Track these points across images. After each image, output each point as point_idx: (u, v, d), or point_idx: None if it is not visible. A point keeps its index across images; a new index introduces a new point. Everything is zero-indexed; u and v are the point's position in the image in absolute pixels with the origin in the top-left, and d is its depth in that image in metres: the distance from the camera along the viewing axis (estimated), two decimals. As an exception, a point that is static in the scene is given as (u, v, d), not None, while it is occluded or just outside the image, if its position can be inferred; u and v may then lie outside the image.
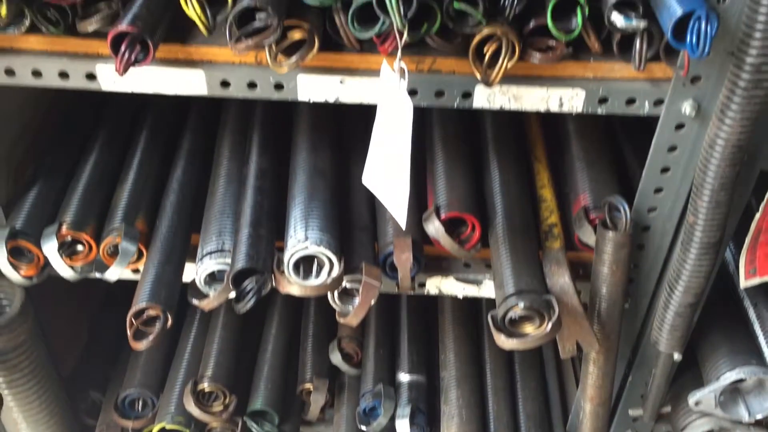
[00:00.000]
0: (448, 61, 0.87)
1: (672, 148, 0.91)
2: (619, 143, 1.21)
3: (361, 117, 1.07)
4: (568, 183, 1.12)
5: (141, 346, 0.92)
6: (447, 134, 1.13)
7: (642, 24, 0.78)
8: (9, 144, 1.07)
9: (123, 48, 0.79)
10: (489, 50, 0.82)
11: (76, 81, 0.89)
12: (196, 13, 0.79)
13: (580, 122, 1.15)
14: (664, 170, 0.93)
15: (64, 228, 0.99)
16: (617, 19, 0.78)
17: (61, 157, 1.13)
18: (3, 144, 1.06)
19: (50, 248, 0.98)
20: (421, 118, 1.16)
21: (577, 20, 0.80)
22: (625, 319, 1.04)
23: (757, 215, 0.89)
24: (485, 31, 0.80)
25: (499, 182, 1.10)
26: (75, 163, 1.12)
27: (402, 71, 0.79)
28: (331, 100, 0.90)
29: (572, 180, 1.10)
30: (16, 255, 0.99)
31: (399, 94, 0.79)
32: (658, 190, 0.96)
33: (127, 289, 1.11)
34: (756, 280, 0.95)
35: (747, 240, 0.90)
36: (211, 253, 0.97)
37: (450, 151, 1.10)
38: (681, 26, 0.76)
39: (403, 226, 0.89)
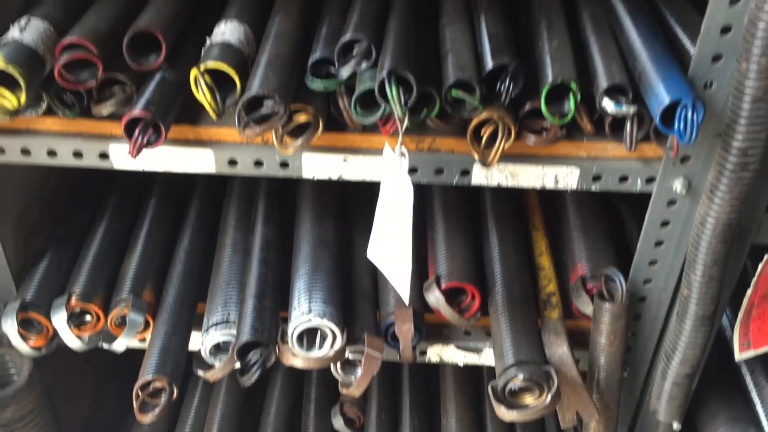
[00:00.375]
0: (447, 141, 0.90)
1: (665, 223, 0.94)
2: (616, 205, 1.24)
3: (364, 187, 1.10)
4: (565, 250, 1.15)
5: (147, 419, 0.94)
6: (447, 203, 1.16)
7: (632, 110, 0.82)
8: (19, 213, 1.10)
9: (137, 133, 0.83)
10: (486, 132, 0.86)
11: (90, 160, 0.92)
12: (206, 100, 0.83)
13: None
14: (658, 243, 0.96)
15: (73, 299, 1.01)
16: (608, 105, 0.82)
17: (71, 226, 1.16)
18: (13, 214, 1.09)
19: (59, 320, 1.00)
20: (423, 187, 1.19)
21: (570, 105, 0.84)
22: (624, 387, 1.05)
23: (749, 291, 0.91)
24: (482, 115, 0.84)
25: (498, 251, 1.12)
26: (85, 232, 1.15)
27: (403, 155, 0.82)
28: (335, 177, 0.93)
29: (569, 248, 1.13)
30: (25, 326, 1.01)
31: (400, 177, 0.82)
32: (652, 263, 0.98)
33: (132, 356, 1.13)
34: (750, 353, 0.97)
35: (740, 314, 0.92)
36: (216, 324, 1.00)
37: (450, 220, 1.13)
38: (669, 112, 0.79)
39: (407, 301, 0.91)
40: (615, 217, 1.22)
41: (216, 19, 0.95)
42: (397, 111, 0.77)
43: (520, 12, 1.02)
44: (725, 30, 0.79)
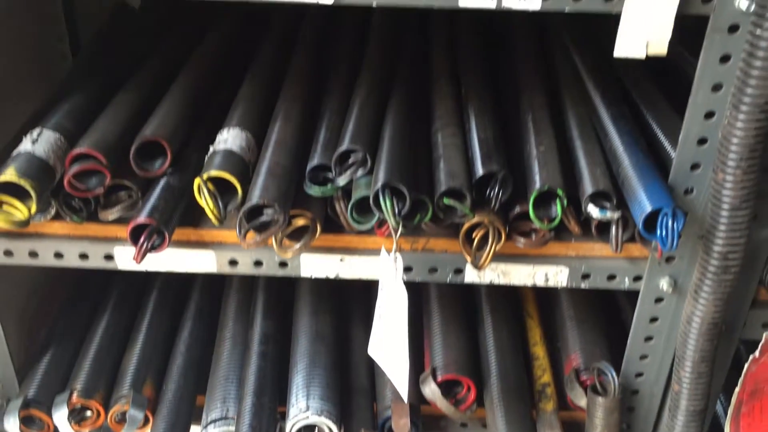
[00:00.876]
0: (440, 242, 0.94)
1: (653, 319, 0.97)
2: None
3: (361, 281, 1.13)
4: (559, 338, 1.17)
5: None
6: (443, 293, 1.18)
7: (616, 215, 0.85)
8: (21, 306, 1.12)
9: (142, 239, 0.86)
10: (477, 236, 0.89)
11: (95, 262, 0.95)
12: (209, 207, 0.87)
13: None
14: (648, 338, 0.99)
15: (74, 396, 1.03)
16: (593, 210, 0.86)
17: (72, 320, 1.18)
18: (16, 307, 1.11)
19: (60, 417, 1.01)
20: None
21: (557, 210, 0.87)
22: (620, 479, 1.06)
23: (737, 389, 0.93)
24: (473, 219, 0.87)
25: (493, 340, 1.15)
26: (86, 325, 1.17)
27: (396, 259, 0.85)
28: (332, 276, 0.96)
29: (563, 337, 1.15)
30: (27, 422, 1.02)
31: (395, 282, 0.85)
32: (643, 357, 1.00)
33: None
34: (742, 449, 0.98)
35: (729, 411, 0.94)
36: (215, 420, 1.01)
37: (446, 310, 1.15)
38: (652, 217, 0.83)
39: (405, 398, 0.93)
40: (609, 299, 1.24)
41: (219, 119, 1.00)
42: (391, 222, 0.80)
43: (509, 108, 1.07)
44: (702, 141, 0.83)
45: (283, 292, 1.22)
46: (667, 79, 1.07)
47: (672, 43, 0.76)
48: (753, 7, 0.71)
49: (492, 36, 1.24)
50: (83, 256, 0.95)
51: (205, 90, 1.07)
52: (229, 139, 0.94)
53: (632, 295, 0.97)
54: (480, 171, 0.89)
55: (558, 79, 1.11)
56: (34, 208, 0.84)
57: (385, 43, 1.15)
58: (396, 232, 0.82)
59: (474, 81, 1.08)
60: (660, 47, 0.76)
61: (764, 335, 0.93)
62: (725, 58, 0.77)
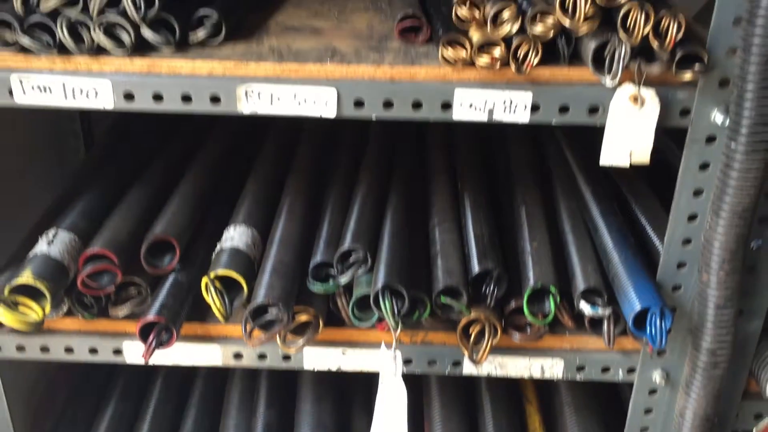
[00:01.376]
0: (438, 335, 0.97)
1: (648, 410, 0.99)
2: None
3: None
4: (558, 425, 1.18)
5: None
6: (443, 382, 1.20)
7: (607, 312, 0.89)
8: (28, 392, 1.14)
9: (151, 338, 0.89)
10: (474, 331, 0.92)
11: (104, 356, 0.98)
12: (216, 306, 0.90)
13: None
14: (644, 429, 1.00)
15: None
16: (585, 307, 0.89)
17: (79, 409, 1.20)
18: (24, 396, 1.13)
19: None
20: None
21: (551, 306, 0.91)
22: None
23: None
24: (470, 316, 0.91)
25: (492, 428, 1.16)
26: (93, 413, 1.19)
27: (396, 357, 0.88)
28: (334, 368, 0.99)
29: (562, 424, 1.16)
30: None
31: (395, 380, 0.88)
32: (640, 448, 1.02)
33: None
34: None
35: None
36: None
37: (445, 399, 1.17)
38: (642, 313, 0.86)
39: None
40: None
41: (225, 213, 1.04)
42: (391, 322, 0.84)
43: (503, 198, 1.11)
44: (686, 241, 0.87)
45: (285, 380, 1.24)
46: (655, 168, 1.12)
47: (658, 137, 0.80)
48: (727, 122, 0.76)
49: (486, 131, 1.29)
50: (93, 351, 0.98)
51: (211, 186, 1.12)
52: (236, 236, 0.99)
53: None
54: (476, 269, 0.92)
55: (550, 172, 1.16)
56: (48, 309, 0.88)
57: (384, 140, 1.21)
58: (395, 331, 0.85)
59: (469, 175, 1.13)
60: (643, 157, 0.81)
61: (755, 427, 0.95)
62: (704, 166, 0.82)
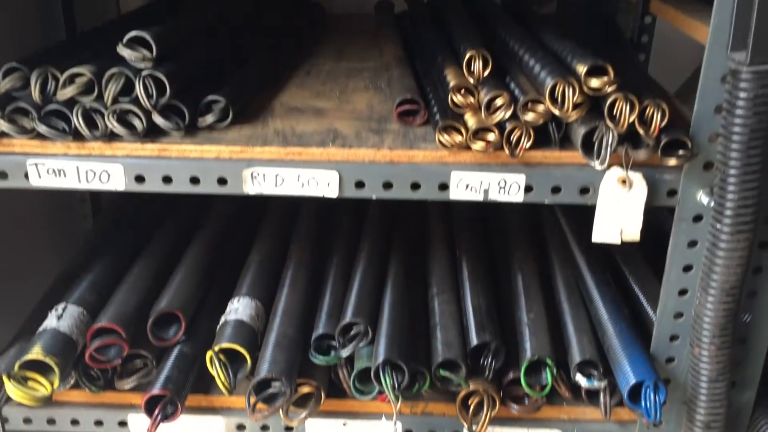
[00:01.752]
0: (438, 405, 0.99)
1: (647, 482, 1.00)
2: None
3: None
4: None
5: None
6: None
7: (603, 384, 0.91)
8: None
9: (156, 412, 0.91)
10: (473, 403, 0.94)
11: (110, 428, 1.00)
12: (220, 379, 0.92)
13: None
14: (643, 499, 1.01)
15: None
16: (581, 380, 0.91)
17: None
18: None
19: None
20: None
21: (547, 377, 0.93)
22: None
23: None
24: (469, 388, 0.93)
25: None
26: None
27: (396, 430, 0.90)
28: (335, 440, 1.00)
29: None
30: None
31: (395, 452, 0.89)
32: None
33: None
34: None
35: None
36: None
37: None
38: (637, 386, 0.88)
39: None
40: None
41: (229, 283, 1.07)
42: (391, 397, 0.86)
43: (500, 267, 1.14)
44: (678, 315, 0.90)
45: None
46: (648, 234, 1.15)
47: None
48: (713, 203, 0.79)
49: (484, 203, 1.32)
50: (98, 423, 0.99)
51: (215, 257, 1.15)
52: (240, 308, 1.01)
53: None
54: (474, 341, 0.95)
55: (546, 241, 1.19)
56: (57, 383, 0.90)
57: (384, 211, 1.24)
58: (395, 405, 0.87)
59: (467, 245, 1.16)
60: (633, 235, 0.84)
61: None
62: (692, 243, 0.85)
